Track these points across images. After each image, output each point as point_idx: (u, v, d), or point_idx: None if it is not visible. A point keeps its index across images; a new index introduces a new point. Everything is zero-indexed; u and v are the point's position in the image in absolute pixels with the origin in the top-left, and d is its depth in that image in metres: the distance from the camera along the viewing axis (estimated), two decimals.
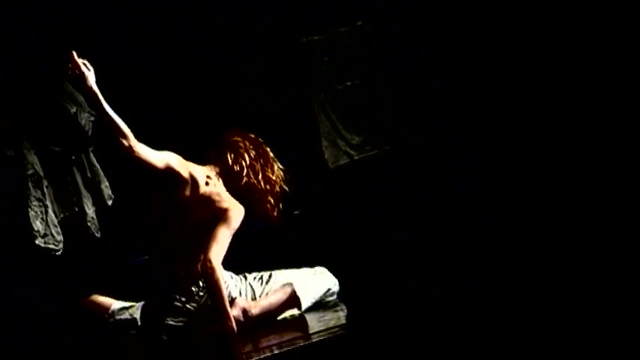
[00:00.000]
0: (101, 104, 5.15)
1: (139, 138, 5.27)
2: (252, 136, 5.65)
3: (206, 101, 8.16)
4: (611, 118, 7.03)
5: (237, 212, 5.37)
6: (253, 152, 5.56)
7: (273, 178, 5.56)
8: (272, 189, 5.53)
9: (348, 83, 8.71)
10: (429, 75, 8.59)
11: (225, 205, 5.38)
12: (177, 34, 8.08)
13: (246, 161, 5.52)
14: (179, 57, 8.10)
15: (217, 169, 5.52)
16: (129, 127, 5.19)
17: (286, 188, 5.60)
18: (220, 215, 5.33)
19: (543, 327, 4.34)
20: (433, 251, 6.74)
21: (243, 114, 8.26)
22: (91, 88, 5.11)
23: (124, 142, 5.14)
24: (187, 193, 5.38)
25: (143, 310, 5.44)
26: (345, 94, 8.69)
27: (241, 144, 5.56)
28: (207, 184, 5.43)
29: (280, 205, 5.59)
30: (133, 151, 5.16)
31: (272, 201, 5.54)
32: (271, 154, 5.63)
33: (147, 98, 7.85)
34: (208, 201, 5.39)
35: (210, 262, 5.22)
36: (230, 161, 5.52)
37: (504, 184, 7.60)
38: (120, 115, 5.23)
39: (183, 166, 5.39)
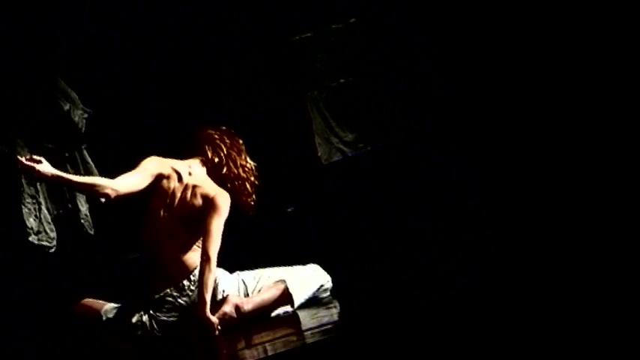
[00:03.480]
0: (69, 181, 5.17)
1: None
2: (224, 128, 5.76)
3: (199, 99, 8.17)
4: (611, 117, 7.04)
5: (224, 199, 5.46)
6: (228, 142, 5.68)
7: (248, 166, 5.68)
8: (248, 177, 5.66)
9: (342, 80, 8.72)
10: (422, 72, 8.60)
11: (211, 193, 5.46)
12: (171, 33, 8.09)
13: (223, 151, 5.64)
14: (172, 56, 8.11)
15: (198, 162, 5.60)
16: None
17: (256, 182, 5.67)
18: (208, 204, 5.41)
19: (542, 325, 4.35)
20: (428, 248, 6.75)
21: (236, 111, 8.27)
22: (51, 176, 5.04)
23: (106, 192, 5.18)
24: (172, 185, 5.48)
25: (135, 307, 5.45)
26: (339, 91, 8.70)
27: (216, 135, 5.68)
28: (190, 174, 5.51)
29: (254, 195, 5.66)
30: (118, 194, 5.21)
31: (249, 189, 5.65)
32: (243, 146, 5.71)
33: (139, 97, 7.86)
34: (194, 189, 5.48)
35: (207, 253, 5.29)
36: (209, 154, 5.63)
37: (501, 179, 7.60)
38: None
39: (164, 164, 5.50)
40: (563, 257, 5.11)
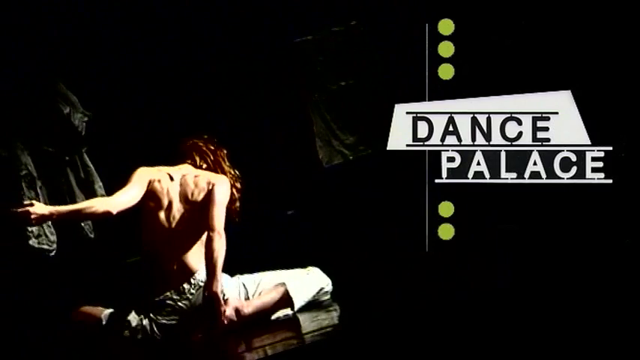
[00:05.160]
0: (69, 213, 5.21)
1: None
2: (206, 136, 5.86)
3: (200, 103, 8.17)
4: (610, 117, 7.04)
5: (222, 180, 5.58)
6: (213, 148, 5.79)
7: (232, 173, 5.76)
8: (233, 184, 5.72)
9: (342, 83, 8.71)
10: (423, 73, 8.57)
11: (213, 177, 5.58)
12: (171, 37, 8.09)
13: (211, 158, 5.75)
14: (173, 59, 8.10)
15: (188, 166, 5.69)
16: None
17: (241, 189, 5.73)
18: (212, 185, 5.52)
19: (542, 326, 4.34)
20: (427, 251, 6.74)
21: (237, 114, 8.27)
22: (49, 214, 5.07)
23: (107, 210, 5.24)
24: (166, 185, 5.55)
25: (135, 311, 5.45)
26: (339, 94, 8.69)
27: (201, 143, 5.80)
28: (184, 175, 5.60)
29: (238, 202, 5.73)
30: (119, 210, 5.29)
31: (235, 194, 5.70)
32: (226, 155, 5.83)
33: (140, 100, 7.86)
34: (195, 178, 5.57)
35: (213, 227, 5.35)
36: (197, 160, 5.73)
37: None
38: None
39: (154, 170, 5.60)
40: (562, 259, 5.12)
